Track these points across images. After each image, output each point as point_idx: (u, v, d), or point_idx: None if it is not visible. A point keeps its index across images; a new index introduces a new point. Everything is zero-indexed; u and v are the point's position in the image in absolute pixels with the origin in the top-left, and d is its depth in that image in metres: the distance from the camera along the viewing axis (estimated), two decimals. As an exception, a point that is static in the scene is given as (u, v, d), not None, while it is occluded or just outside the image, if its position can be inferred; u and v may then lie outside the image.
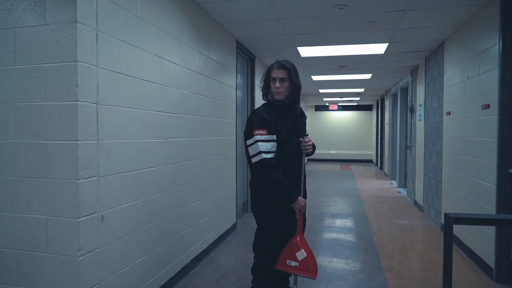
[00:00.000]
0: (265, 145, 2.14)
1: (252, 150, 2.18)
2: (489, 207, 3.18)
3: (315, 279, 2.13)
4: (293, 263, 2.14)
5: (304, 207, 2.23)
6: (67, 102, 1.86)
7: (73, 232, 1.87)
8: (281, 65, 2.23)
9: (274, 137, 2.18)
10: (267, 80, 2.30)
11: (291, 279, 2.48)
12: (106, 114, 2.08)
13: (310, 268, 2.10)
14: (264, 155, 2.13)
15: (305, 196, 2.36)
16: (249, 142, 2.20)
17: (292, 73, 2.23)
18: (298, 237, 2.19)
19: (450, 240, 1.83)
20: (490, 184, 3.17)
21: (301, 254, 2.11)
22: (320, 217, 5.39)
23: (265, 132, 2.14)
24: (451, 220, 1.81)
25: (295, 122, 2.31)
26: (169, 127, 2.82)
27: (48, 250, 1.91)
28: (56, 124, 1.88)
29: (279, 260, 2.21)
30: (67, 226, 1.88)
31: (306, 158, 2.34)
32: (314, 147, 2.38)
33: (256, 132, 2.14)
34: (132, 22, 2.32)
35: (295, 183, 2.28)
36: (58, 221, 1.89)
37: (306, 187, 2.45)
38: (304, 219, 2.39)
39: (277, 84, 2.21)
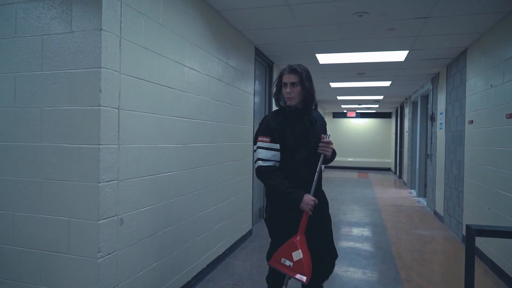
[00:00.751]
0: (264, 153, 2.05)
1: (254, 156, 2.14)
2: (513, 220, 3.08)
3: (306, 284, 1.96)
4: (288, 263, 2.00)
5: (313, 205, 2.02)
6: (90, 107, 1.92)
7: (93, 234, 1.91)
8: (292, 69, 2.11)
9: (277, 146, 2.06)
10: (279, 86, 2.19)
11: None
12: (127, 119, 2.13)
13: (303, 271, 1.94)
14: (260, 163, 2.06)
15: (319, 197, 2.16)
16: (254, 148, 2.17)
17: (303, 77, 2.10)
18: (298, 236, 2.02)
19: (472, 253, 1.78)
20: (514, 195, 3.07)
21: (298, 255, 1.97)
22: (337, 225, 5.32)
23: (268, 139, 2.05)
24: (473, 232, 1.76)
25: (307, 129, 2.14)
26: (187, 133, 2.86)
27: (69, 251, 1.96)
28: (79, 128, 1.94)
29: (274, 256, 2.07)
30: (88, 228, 1.92)
31: (322, 160, 2.15)
32: (334, 152, 2.20)
33: (259, 138, 2.08)
34: (153, 29, 2.38)
35: (303, 189, 2.09)
36: (79, 223, 1.94)
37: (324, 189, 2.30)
38: (324, 219, 2.22)
39: (288, 89, 2.10)
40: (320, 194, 2.20)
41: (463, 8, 3.18)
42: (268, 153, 2.04)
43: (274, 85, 2.25)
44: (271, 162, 2.05)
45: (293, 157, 2.09)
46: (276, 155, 2.06)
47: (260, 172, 2.07)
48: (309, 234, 2.08)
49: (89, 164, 1.92)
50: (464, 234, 4.41)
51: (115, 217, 2.04)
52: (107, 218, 1.97)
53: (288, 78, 2.11)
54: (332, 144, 2.16)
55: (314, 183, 2.07)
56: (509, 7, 3.14)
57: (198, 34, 3.01)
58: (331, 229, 2.28)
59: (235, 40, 3.89)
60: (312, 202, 2.01)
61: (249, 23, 3.70)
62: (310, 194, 2.06)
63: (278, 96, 2.21)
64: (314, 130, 2.17)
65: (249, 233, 4.54)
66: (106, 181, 1.96)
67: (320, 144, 2.12)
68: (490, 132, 3.64)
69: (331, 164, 7.89)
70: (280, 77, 2.19)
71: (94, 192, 1.91)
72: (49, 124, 1.99)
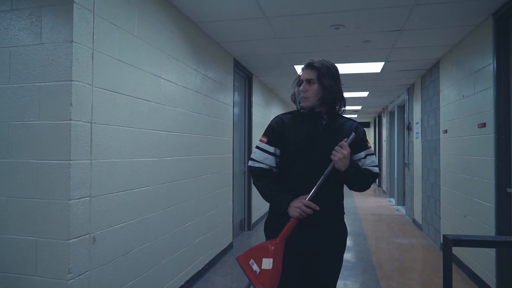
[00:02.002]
0: (257, 154, 1.78)
1: None
2: (488, 227, 3.14)
3: None
4: (255, 267, 1.70)
5: (304, 210, 1.63)
6: (60, 121, 1.84)
7: (63, 255, 1.82)
8: (309, 64, 1.74)
9: (272, 149, 1.76)
10: (299, 84, 1.81)
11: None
12: (100, 133, 2.06)
13: (266, 284, 1.63)
14: (250, 163, 1.82)
15: (320, 203, 1.67)
16: None
17: (322, 72, 1.70)
18: (276, 241, 1.67)
19: (449, 262, 1.79)
20: (489, 203, 3.14)
21: (267, 263, 1.67)
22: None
23: (265, 139, 1.79)
24: (450, 242, 1.77)
25: (317, 137, 1.72)
26: (164, 146, 2.80)
27: (36, 272, 1.86)
28: (49, 143, 1.86)
29: (245, 253, 1.75)
30: (57, 248, 1.83)
31: (331, 168, 1.67)
32: (353, 168, 1.68)
33: (261, 137, 1.83)
34: (128, 42, 2.33)
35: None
36: (48, 243, 1.84)
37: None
38: (333, 256, 1.75)
39: (302, 87, 1.74)
40: (334, 220, 1.76)
41: (435, 21, 3.28)
42: (261, 155, 1.77)
43: (293, 85, 1.88)
44: (264, 165, 1.76)
45: (290, 169, 1.74)
46: (269, 159, 1.76)
47: (250, 172, 1.84)
48: (308, 267, 1.73)
49: (59, 181, 1.84)
50: (442, 242, 4.48)
51: (87, 236, 1.95)
52: (78, 237, 1.88)
53: (304, 75, 1.76)
54: (346, 151, 1.63)
55: (315, 187, 1.66)
56: (477, 21, 3.26)
57: (175, 46, 2.98)
58: (338, 274, 1.79)
59: (213, 52, 3.87)
60: (299, 205, 1.63)
61: (227, 35, 3.70)
62: (307, 197, 1.66)
63: (295, 96, 1.84)
64: (330, 140, 1.69)
65: (230, 246, 4.47)
66: (77, 198, 1.88)
67: (336, 147, 1.66)
68: (464, 141, 3.74)
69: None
70: (300, 75, 1.84)
71: (64, 210, 1.83)
72: (17, 139, 1.90)
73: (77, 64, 1.87)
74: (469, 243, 1.76)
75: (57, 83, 1.85)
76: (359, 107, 9.91)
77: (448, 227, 4.30)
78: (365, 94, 7.46)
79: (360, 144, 1.77)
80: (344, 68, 5.15)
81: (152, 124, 2.61)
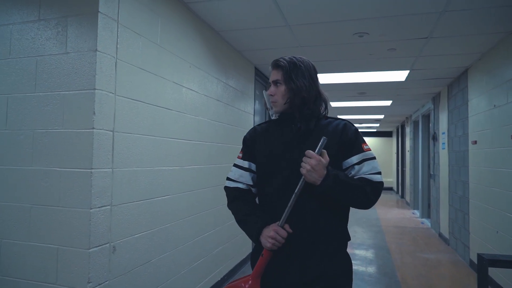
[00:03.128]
0: (233, 171, 1.53)
1: None
2: (523, 245, 2.96)
3: None
4: None
5: (277, 239, 1.31)
6: (83, 130, 1.85)
7: (83, 264, 1.81)
8: (274, 64, 1.47)
9: (246, 164, 1.50)
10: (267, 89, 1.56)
11: None
12: (122, 141, 2.06)
13: None
14: (226, 183, 1.56)
15: (302, 229, 1.35)
16: None
17: (288, 71, 1.42)
18: (249, 282, 1.38)
19: (485, 284, 1.68)
20: (524, 219, 2.96)
21: None
22: (340, 248, 5.16)
23: (240, 155, 1.54)
24: (486, 262, 1.66)
25: (290, 144, 1.41)
26: (185, 154, 2.78)
27: (57, 281, 1.85)
28: (71, 151, 1.87)
29: (227, 285, 1.46)
30: (78, 256, 1.82)
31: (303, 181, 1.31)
32: (331, 179, 1.29)
33: (238, 154, 1.57)
34: (151, 50, 2.34)
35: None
36: (69, 251, 1.84)
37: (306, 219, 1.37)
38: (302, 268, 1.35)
39: (269, 90, 1.47)
40: (325, 251, 1.37)
41: (464, 28, 3.16)
42: (236, 173, 1.52)
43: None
44: (239, 183, 1.51)
45: (264, 185, 1.45)
46: (244, 176, 1.50)
47: (225, 192, 1.56)
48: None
49: (80, 189, 1.84)
50: (471, 258, 4.26)
51: (107, 245, 1.94)
52: (98, 246, 1.87)
53: (271, 76, 1.49)
54: (314, 160, 1.28)
55: (287, 209, 1.32)
56: (510, 28, 3.11)
57: (197, 54, 2.98)
58: None
59: (234, 60, 3.87)
60: (272, 233, 1.31)
61: (249, 43, 3.69)
62: (279, 222, 1.34)
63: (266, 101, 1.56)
64: (306, 148, 1.34)
65: (249, 256, 4.40)
66: (98, 207, 1.87)
67: (304, 157, 1.32)
68: (495, 153, 3.56)
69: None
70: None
71: (85, 219, 1.82)
72: (41, 147, 1.92)
73: (101, 73, 1.88)
74: (507, 263, 1.64)
75: (81, 91, 1.86)
76: (381, 116, 9.71)
77: (478, 243, 4.09)
78: (388, 103, 7.30)
79: (350, 147, 1.39)
80: (367, 77, 5.04)
81: (173, 133, 2.60)
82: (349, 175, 1.36)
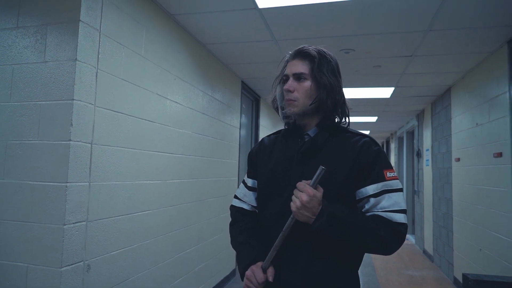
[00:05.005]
0: (240, 189, 1.36)
1: None
2: (507, 263, 2.96)
3: None
4: None
5: (251, 281, 1.12)
6: (59, 142, 1.77)
7: (54, 284, 1.71)
8: (299, 52, 1.18)
9: (250, 182, 1.32)
10: (283, 82, 1.22)
11: None
12: (101, 154, 1.98)
13: None
14: (233, 201, 1.37)
15: (285, 270, 1.12)
16: None
17: (319, 63, 1.14)
18: None
19: (470, 305, 1.64)
20: (507, 238, 2.97)
21: None
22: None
23: (247, 171, 1.36)
24: (471, 282, 1.63)
25: (294, 161, 1.15)
26: (168, 168, 2.71)
27: (25, 302, 1.74)
28: (46, 164, 1.78)
29: None
30: (49, 276, 1.72)
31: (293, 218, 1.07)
32: (323, 219, 1.01)
33: None
34: (135, 61, 2.29)
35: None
36: (39, 270, 1.73)
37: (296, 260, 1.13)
38: None
39: (287, 85, 1.16)
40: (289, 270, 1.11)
41: (448, 48, 3.22)
42: (242, 190, 1.35)
43: (274, 85, 1.27)
44: (244, 204, 1.33)
45: (263, 209, 1.23)
46: (248, 196, 1.31)
47: (230, 212, 1.37)
48: None
49: (54, 204, 1.74)
50: (455, 275, 4.26)
51: (81, 263, 1.84)
52: (71, 265, 1.77)
53: (292, 67, 1.18)
54: (305, 196, 1.01)
55: (272, 250, 1.10)
56: (492, 48, 3.19)
57: (183, 66, 2.94)
58: None
59: (221, 74, 3.84)
60: (248, 272, 1.13)
61: (236, 57, 3.67)
62: (263, 263, 1.14)
63: (280, 103, 1.22)
64: (314, 166, 1.05)
65: (233, 273, 4.30)
66: (73, 223, 1.78)
67: (295, 190, 1.06)
68: (478, 171, 3.59)
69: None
70: (284, 68, 1.24)
71: (58, 235, 1.73)
72: (14, 159, 1.83)
73: (80, 83, 1.82)
74: (492, 284, 1.61)
75: (58, 102, 1.79)
76: (367, 132, 9.81)
77: (462, 261, 4.09)
78: (373, 119, 7.37)
79: (366, 172, 1.08)
80: (353, 93, 5.09)
81: (155, 146, 2.54)
82: (363, 209, 1.07)
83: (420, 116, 6.41)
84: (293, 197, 1.04)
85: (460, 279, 4.08)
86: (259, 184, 1.26)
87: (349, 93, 5.09)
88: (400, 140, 8.90)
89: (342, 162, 1.09)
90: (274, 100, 1.25)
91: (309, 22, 2.77)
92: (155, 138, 2.53)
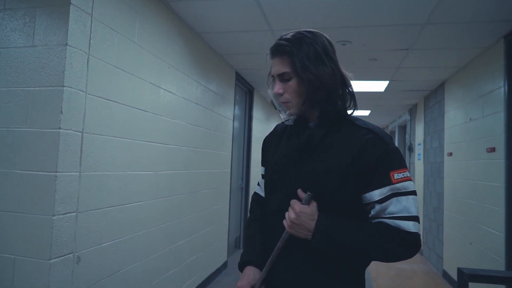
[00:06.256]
0: (261, 178, 1.31)
1: None
2: (497, 257, 2.99)
3: None
4: None
5: None
6: (49, 130, 1.71)
7: (43, 276, 1.66)
8: (276, 49, 1.07)
9: (262, 170, 1.26)
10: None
11: None
12: (92, 143, 1.92)
13: None
14: (256, 187, 1.34)
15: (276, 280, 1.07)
16: None
17: (297, 55, 1.02)
18: None
19: (465, 300, 1.64)
20: (498, 232, 3.00)
21: None
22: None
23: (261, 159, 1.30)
24: (467, 277, 1.63)
25: (294, 157, 1.07)
26: (160, 159, 2.66)
27: (13, 295, 1.69)
28: (35, 153, 1.71)
29: None
30: (37, 268, 1.66)
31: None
32: (318, 236, 0.95)
33: None
34: (128, 48, 2.22)
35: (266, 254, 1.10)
36: (27, 262, 1.68)
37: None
38: None
39: (275, 89, 1.07)
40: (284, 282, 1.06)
41: (444, 42, 3.20)
42: (261, 178, 1.30)
43: (268, 83, 1.16)
44: (262, 191, 1.27)
45: (268, 201, 1.15)
46: (262, 184, 1.27)
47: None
48: None
49: (43, 194, 1.69)
50: (445, 269, 4.31)
51: (71, 255, 1.79)
52: (60, 257, 1.72)
53: (274, 67, 1.08)
54: (292, 214, 0.98)
55: (266, 266, 1.06)
56: (487, 43, 3.18)
57: (177, 55, 2.87)
58: None
59: (216, 64, 3.77)
60: (238, 285, 1.09)
61: (231, 47, 3.60)
62: (257, 282, 1.09)
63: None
64: (314, 163, 1.03)
65: (224, 265, 4.28)
66: (62, 214, 1.73)
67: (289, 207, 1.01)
68: (471, 166, 3.61)
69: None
70: (270, 67, 1.13)
71: (47, 226, 1.67)
72: (1, 147, 1.76)
73: (70, 69, 1.75)
74: (487, 279, 1.61)
75: (48, 88, 1.72)
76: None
77: (452, 254, 4.13)
78: (367, 113, 7.38)
79: (370, 175, 0.96)
80: (347, 86, 5.06)
81: (148, 136, 2.48)
82: (370, 215, 0.97)
83: (412, 110, 6.43)
84: (286, 214, 1.00)
85: (450, 272, 4.13)
86: (265, 175, 1.19)
87: (344, 86, 5.06)
88: (392, 134, 8.94)
89: (341, 160, 0.98)
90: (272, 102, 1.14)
91: (307, 12, 2.72)
92: (148, 128, 2.47)
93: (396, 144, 7.80)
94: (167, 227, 2.80)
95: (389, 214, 0.94)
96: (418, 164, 5.87)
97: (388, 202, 0.94)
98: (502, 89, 2.99)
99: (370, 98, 5.88)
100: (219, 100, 3.91)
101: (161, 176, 2.67)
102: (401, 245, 0.92)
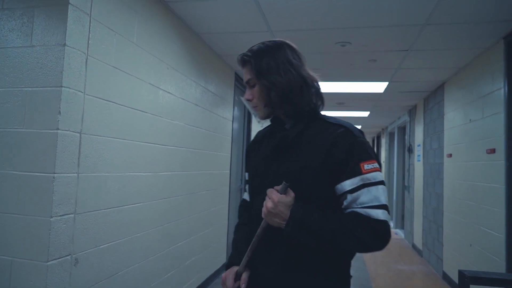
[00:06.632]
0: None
1: None
2: (497, 259, 2.98)
3: None
4: None
5: (226, 285, 1.15)
6: (47, 130, 1.69)
7: (40, 278, 1.64)
8: (241, 61, 1.17)
9: (246, 175, 1.31)
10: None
11: None
12: (90, 144, 1.91)
13: None
14: (243, 194, 1.37)
15: (261, 275, 1.11)
16: None
17: (256, 63, 1.12)
18: None
19: (466, 302, 1.63)
20: (498, 233, 2.99)
21: None
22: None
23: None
24: (468, 279, 1.61)
25: (271, 157, 1.14)
26: (159, 160, 2.64)
27: (10, 297, 1.67)
28: (33, 154, 1.70)
29: None
30: (34, 270, 1.65)
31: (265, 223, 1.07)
32: (290, 227, 0.99)
33: None
34: (127, 49, 2.20)
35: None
36: (24, 264, 1.66)
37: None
38: None
39: (246, 95, 1.17)
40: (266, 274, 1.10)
41: (444, 43, 3.19)
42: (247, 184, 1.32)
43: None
44: (248, 196, 1.31)
45: (252, 203, 1.21)
46: (247, 189, 1.32)
47: None
48: None
49: (41, 195, 1.67)
50: (444, 270, 4.30)
51: (69, 257, 1.77)
52: (58, 259, 1.70)
53: (244, 76, 1.18)
54: (270, 202, 1.01)
55: (246, 254, 1.12)
56: (487, 44, 3.18)
57: (176, 56, 2.86)
58: None
59: (215, 65, 3.76)
60: (222, 276, 1.17)
61: (229, 47, 3.59)
62: (238, 269, 1.15)
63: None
64: (289, 162, 1.08)
65: (223, 267, 4.26)
66: (60, 215, 1.71)
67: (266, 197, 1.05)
68: (470, 167, 3.61)
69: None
70: None
71: (45, 228, 1.66)
72: (-2, 148, 1.74)
73: (69, 69, 1.73)
74: (489, 281, 1.60)
75: (46, 88, 1.71)
76: (358, 127, 9.82)
77: (451, 256, 4.12)
78: (366, 114, 7.38)
79: (341, 166, 1.01)
80: (347, 87, 5.06)
81: (147, 137, 2.46)
82: (343, 206, 1.02)
83: (412, 111, 6.43)
84: (264, 203, 1.03)
85: (449, 274, 4.12)
86: (248, 181, 1.26)
87: (342, 87, 5.06)
88: (391, 136, 8.94)
89: (314, 157, 1.04)
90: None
91: (306, 13, 2.71)
92: (146, 129, 2.46)
93: (395, 146, 7.82)
94: (166, 228, 2.78)
95: (360, 204, 0.98)
96: (417, 165, 5.86)
97: (359, 192, 0.99)
98: (502, 90, 2.98)
99: (369, 99, 5.88)
100: (218, 101, 3.89)
101: (160, 177, 2.66)
102: (371, 233, 0.96)
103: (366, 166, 1.00)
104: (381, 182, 1.00)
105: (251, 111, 1.18)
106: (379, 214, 0.97)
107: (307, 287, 1.05)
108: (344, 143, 1.02)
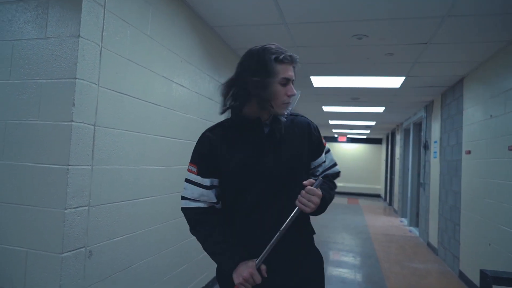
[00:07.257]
0: (190, 190, 1.32)
1: None
2: (518, 259, 2.89)
3: None
4: None
5: (249, 280, 1.20)
6: (61, 122, 1.69)
7: (55, 269, 1.65)
8: (293, 59, 1.30)
9: (207, 182, 1.30)
10: (266, 81, 1.25)
11: None
12: (104, 137, 1.90)
13: None
14: (183, 203, 1.35)
15: (279, 265, 1.28)
16: None
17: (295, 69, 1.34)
18: None
19: (487, 303, 1.57)
20: (519, 233, 2.89)
21: None
22: (327, 255, 5.06)
23: (195, 170, 1.32)
24: (490, 279, 1.56)
25: (262, 152, 1.28)
26: (173, 154, 2.63)
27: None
28: (47, 145, 1.70)
29: None
30: (49, 262, 1.66)
31: (296, 214, 1.24)
32: (323, 208, 1.29)
33: (188, 166, 1.35)
34: (140, 41, 2.19)
35: (256, 249, 1.24)
36: (39, 256, 1.67)
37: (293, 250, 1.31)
38: None
39: (290, 91, 1.28)
40: (304, 251, 1.35)
41: (465, 35, 3.09)
42: (195, 191, 1.31)
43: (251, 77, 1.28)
44: (200, 203, 1.32)
45: (236, 203, 1.31)
46: (207, 195, 1.31)
47: (186, 216, 1.35)
48: None
49: (55, 187, 1.67)
50: (461, 269, 4.20)
51: (83, 249, 1.78)
52: (72, 250, 1.71)
53: (288, 73, 1.29)
54: (317, 196, 1.22)
55: (269, 246, 1.22)
56: (510, 37, 3.06)
57: (190, 49, 2.83)
58: None
59: (228, 58, 3.73)
60: (246, 275, 1.19)
61: (243, 41, 3.55)
62: (257, 261, 1.23)
63: (245, 97, 1.33)
64: (280, 152, 1.29)
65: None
66: (74, 207, 1.71)
67: (302, 192, 1.22)
68: (490, 164, 3.50)
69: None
70: (271, 65, 1.25)
71: (59, 220, 1.66)
72: (13, 139, 1.75)
73: (83, 61, 1.73)
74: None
75: (60, 80, 1.70)
76: (373, 123, 9.68)
77: (468, 255, 4.03)
78: (381, 109, 7.25)
79: (318, 145, 1.40)
80: (362, 82, 4.97)
81: (160, 130, 2.45)
82: (318, 173, 1.42)
83: (429, 107, 6.28)
84: (303, 200, 1.22)
85: (466, 273, 4.03)
86: (228, 179, 1.31)
87: (357, 82, 4.97)
88: (406, 132, 8.77)
89: (300, 143, 1.34)
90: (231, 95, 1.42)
91: (323, 4, 2.65)
92: (160, 122, 2.45)
93: (411, 142, 7.67)
94: (178, 222, 2.77)
95: (327, 167, 1.44)
96: (434, 162, 5.74)
97: (327, 161, 1.44)
98: (526, 84, 2.87)
99: (384, 95, 5.76)
100: (231, 95, 3.86)
101: (173, 171, 2.65)
102: (335, 182, 1.47)
103: (324, 141, 1.44)
104: (329, 149, 1.48)
105: (293, 105, 1.31)
106: (337, 168, 1.49)
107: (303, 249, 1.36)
108: (315, 127, 1.41)
